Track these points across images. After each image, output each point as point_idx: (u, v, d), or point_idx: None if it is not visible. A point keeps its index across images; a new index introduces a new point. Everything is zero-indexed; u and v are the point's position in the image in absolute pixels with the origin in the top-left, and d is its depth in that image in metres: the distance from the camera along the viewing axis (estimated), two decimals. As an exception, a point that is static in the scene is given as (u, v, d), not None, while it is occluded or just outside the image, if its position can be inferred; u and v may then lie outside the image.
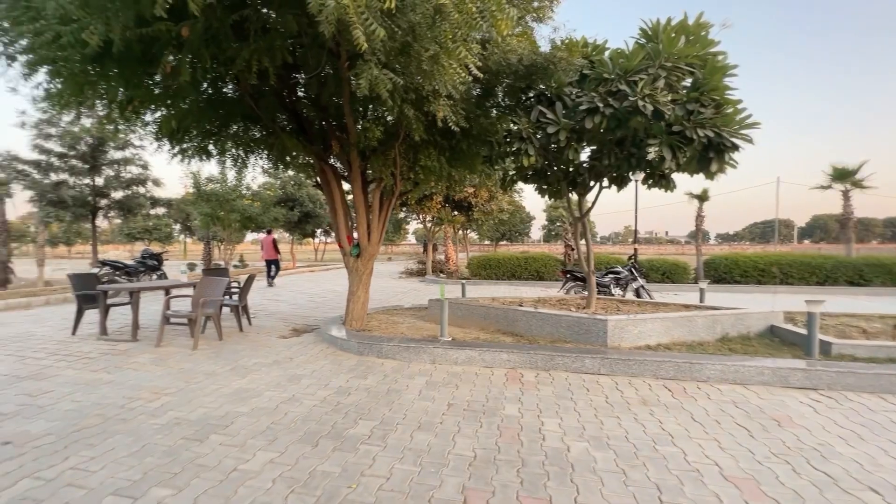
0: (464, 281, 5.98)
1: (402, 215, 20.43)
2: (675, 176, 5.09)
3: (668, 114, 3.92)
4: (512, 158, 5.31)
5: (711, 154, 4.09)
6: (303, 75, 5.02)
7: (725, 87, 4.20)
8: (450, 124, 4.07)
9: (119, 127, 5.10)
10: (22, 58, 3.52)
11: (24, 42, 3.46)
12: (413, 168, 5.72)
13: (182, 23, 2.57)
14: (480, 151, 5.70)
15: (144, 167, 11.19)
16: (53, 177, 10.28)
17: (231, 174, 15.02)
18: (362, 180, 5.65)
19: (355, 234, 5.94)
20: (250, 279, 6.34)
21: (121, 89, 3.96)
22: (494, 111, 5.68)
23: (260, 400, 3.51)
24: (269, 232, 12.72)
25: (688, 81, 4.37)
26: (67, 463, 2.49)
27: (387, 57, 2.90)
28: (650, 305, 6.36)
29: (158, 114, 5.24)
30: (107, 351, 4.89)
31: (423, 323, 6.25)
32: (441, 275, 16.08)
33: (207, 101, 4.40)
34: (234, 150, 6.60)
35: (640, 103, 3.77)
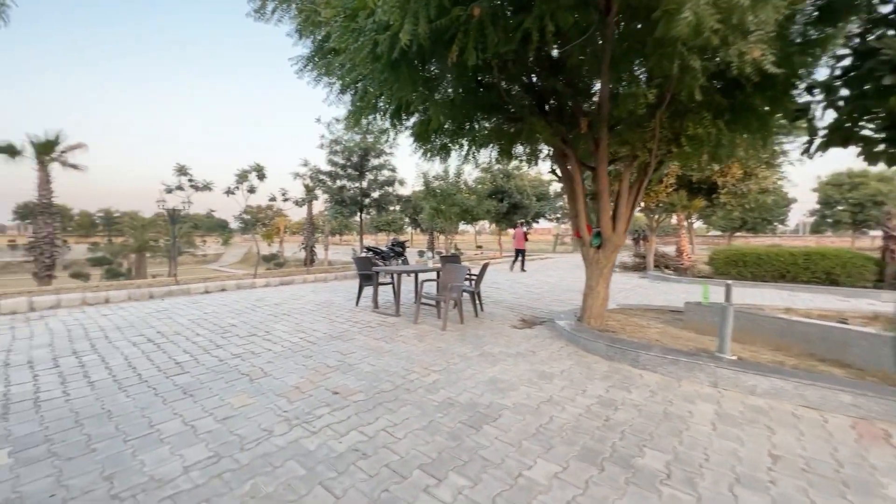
0: (729, 282, 4.56)
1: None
2: None
3: None
4: (850, 106, 3.61)
5: None
6: (537, 53, 4.71)
7: None
8: (766, 67, 2.94)
9: (390, 134, 5.95)
10: (337, 84, 4.40)
11: (337, 71, 4.33)
12: (676, 140, 4.66)
13: (472, 4, 2.59)
14: (781, 105, 4.15)
15: (393, 170, 13.64)
16: (338, 183, 13.58)
17: (452, 171, 16.70)
18: (607, 161, 4.96)
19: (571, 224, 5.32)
20: (484, 268, 6.59)
21: (394, 99, 4.51)
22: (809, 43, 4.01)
23: (518, 395, 3.38)
24: (520, 224, 14.20)
25: None
26: (378, 424, 2.84)
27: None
28: None
29: (414, 119, 5.94)
30: (381, 322, 5.86)
31: (675, 330, 5.13)
32: (667, 270, 13.67)
33: (464, 97, 4.59)
34: (467, 147, 6.96)
35: None
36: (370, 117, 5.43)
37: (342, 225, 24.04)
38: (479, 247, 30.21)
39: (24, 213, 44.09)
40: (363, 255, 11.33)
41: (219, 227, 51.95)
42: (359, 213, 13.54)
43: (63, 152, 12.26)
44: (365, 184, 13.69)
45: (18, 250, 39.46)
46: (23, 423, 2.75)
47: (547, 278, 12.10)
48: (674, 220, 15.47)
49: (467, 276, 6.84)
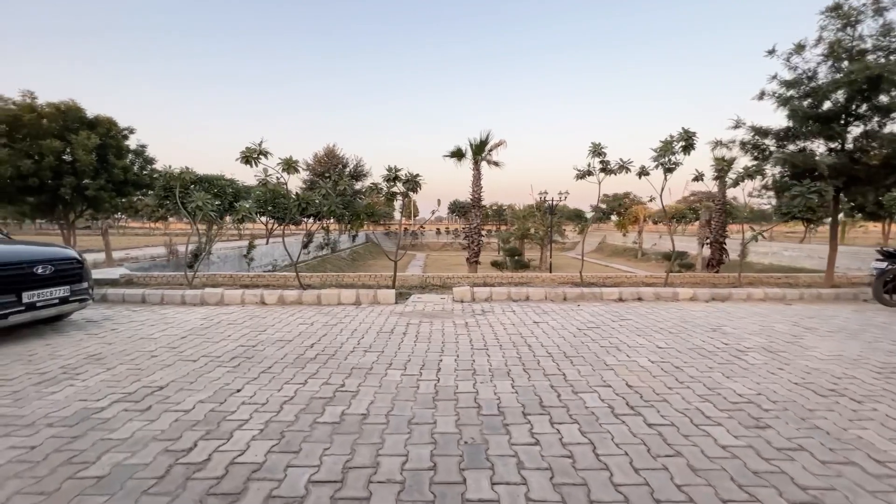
0: None
1: None
2: None
3: None
4: None
5: None
6: None
7: None
8: None
9: None
10: None
11: None
12: None
13: None
14: None
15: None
16: (790, 147, 8.74)
17: None
18: None
19: None
20: None
21: None
22: None
23: None
24: None
25: None
26: None
27: None
28: None
29: None
30: None
31: None
32: None
33: None
34: None
35: None
36: None
37: (752, 213, 17.66)
38: None
39: (454, 208, 62.84)
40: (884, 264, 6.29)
41: (575, 216, 54.75)
42: (833, 192, 8.16)
43: (490, 151, 14.64)
44: (850, 144, 8.11)
45: (449, 235, 56.95)
46: None
47: None
48: None
49: None
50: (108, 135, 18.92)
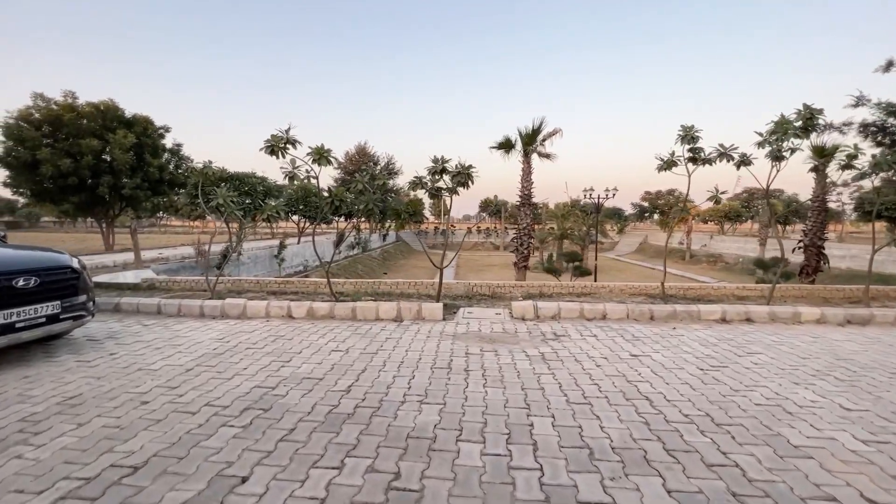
0: None
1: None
2: None
3: None
4: None
5: None
6: None
7: None
8: None
9: None
10: None
11: None
12: None
13: None
14: None
15: None
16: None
17: None
18: None
19: None
20: None
21: None
22: None
23: None
24: None
25: None
26: None
27: None
28: None
29: None
30: None
31: None
32: None
33: None
34: None
35: None
36: None
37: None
38: None
39: (484, 206, 61.25)
40: None
41: (614, 215, 51.97)
42: None
43: (542, 141, 13.29)
44: None
45: (480, 234, 55.39)
46: None
47: None
48: None
49: None
50: (144, 133, 18.91)
